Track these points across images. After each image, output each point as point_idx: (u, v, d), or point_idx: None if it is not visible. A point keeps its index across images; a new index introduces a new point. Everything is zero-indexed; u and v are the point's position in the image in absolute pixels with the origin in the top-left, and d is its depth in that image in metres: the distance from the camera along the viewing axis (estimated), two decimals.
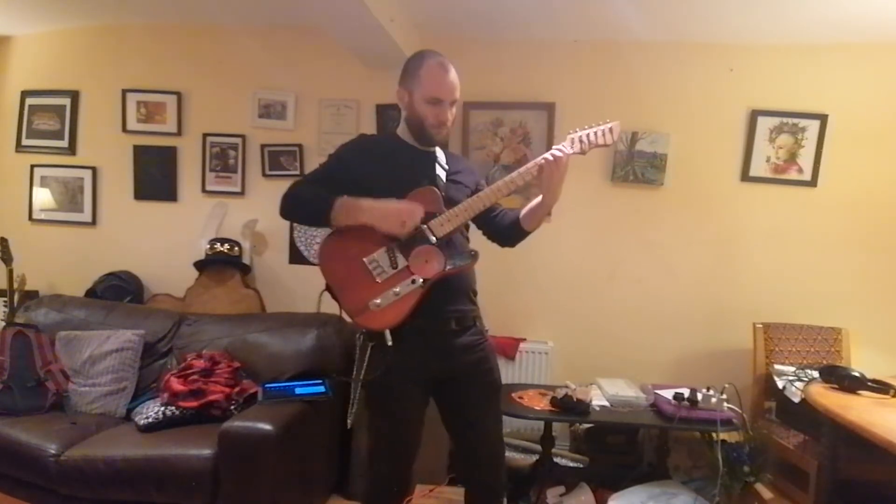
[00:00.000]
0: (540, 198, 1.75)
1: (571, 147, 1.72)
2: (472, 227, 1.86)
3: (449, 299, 1.70)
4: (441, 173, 1.76)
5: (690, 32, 2.89)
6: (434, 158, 1.78)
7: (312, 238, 3.02)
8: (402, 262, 1.64)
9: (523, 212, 1.81)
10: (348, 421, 1.80)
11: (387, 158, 1.73)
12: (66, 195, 3.40)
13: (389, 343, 1.60)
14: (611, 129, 1.75)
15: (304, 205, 1.71)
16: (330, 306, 1.71)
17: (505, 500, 1.86)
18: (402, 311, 1.61)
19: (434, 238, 1.66)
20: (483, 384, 1.77)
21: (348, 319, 1.67)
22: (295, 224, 3.08)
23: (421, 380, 1.70)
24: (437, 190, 1.71)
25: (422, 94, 1.68)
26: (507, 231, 1.85)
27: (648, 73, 2.99)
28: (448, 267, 1.66)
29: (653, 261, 3.04)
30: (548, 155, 1.69)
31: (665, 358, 3.01)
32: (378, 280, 1.63)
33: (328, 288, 1.67)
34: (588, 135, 1.74)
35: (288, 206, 1.73)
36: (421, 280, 1.63)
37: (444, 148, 1.84)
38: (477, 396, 1.76)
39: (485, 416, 1.78)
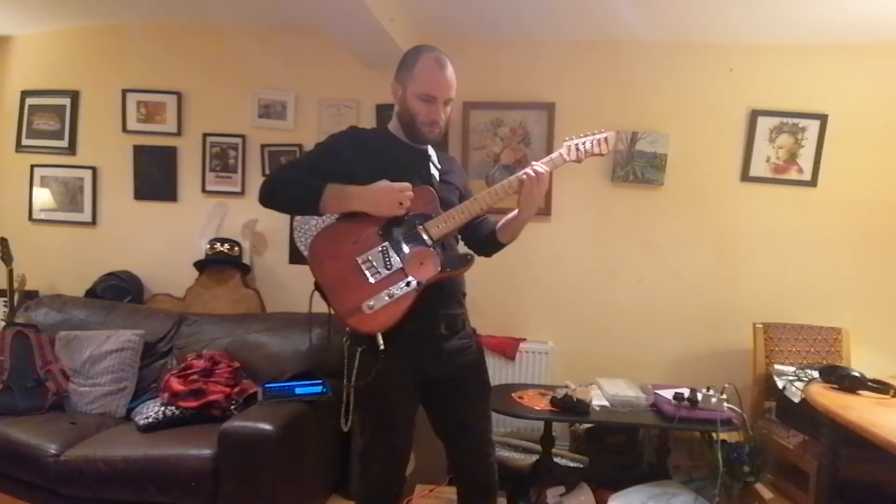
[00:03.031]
0: (516, 211, 1.72)
1: (568, 155, 1.71)
2: None
3: (440, 303, 1.67)
4: (435, 173, 1.73)
5: (690, 32, 2.89)
6: (428, 157, 1.75)
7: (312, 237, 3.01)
8: (396, 262, 1.59)
9: (499, 224, 1.79)
10: (342, 424, 1.71)
11: (380, 154, 1.68)
12: (66, 195, 3.39)
13: (381, 347, 1.55)
14: (605, 140, 1.73)
15: (290, 188, 1.64)
16: (321, 307, 1.66)
17: (497, 500, 1.85)
18: (395, 314, 1.56)
19: (429, 240, 1.63)
20: (475, 386, 1.77)
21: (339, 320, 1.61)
22: (295, 223, 3.05)
23: (412, 382, 1.68)
24: (433, 190, 1.68)
25: (415, 90, 1.64)
26: (483, 241, 1.82)
27: (648, 73, 2.98)
28: (448, 269, 1.63)
29: (653, 261, 3.03)
30: (529, 170, 1.65)
31: (665, 358, 3.00)
32: (371, 280, 1.58)
33: (318, 288, 1.61)
34: (584, 143, 1.72)
35: (271, 190, 1.65)
36: (416, 282, 1.59)
37: (437, 147, 1.81)
38: (469, 398, 1.76)
39: (478, 417, 1.77)
